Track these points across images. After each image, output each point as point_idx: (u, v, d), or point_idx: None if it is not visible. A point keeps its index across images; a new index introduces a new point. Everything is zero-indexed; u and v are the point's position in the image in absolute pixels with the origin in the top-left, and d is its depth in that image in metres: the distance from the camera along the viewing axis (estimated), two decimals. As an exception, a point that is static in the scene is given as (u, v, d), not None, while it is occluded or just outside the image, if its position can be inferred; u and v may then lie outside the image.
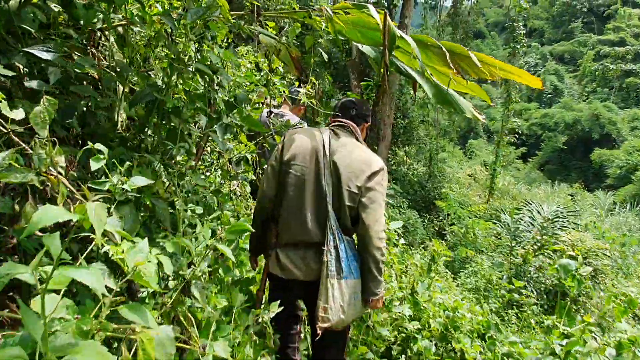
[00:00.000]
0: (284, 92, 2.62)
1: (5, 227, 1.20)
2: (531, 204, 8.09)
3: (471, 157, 36.02)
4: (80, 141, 1.56)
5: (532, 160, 39.72)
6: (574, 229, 7.35)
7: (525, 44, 10.89)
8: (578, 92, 49.61)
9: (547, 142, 40.91)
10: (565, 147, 39.61)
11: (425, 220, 9.62)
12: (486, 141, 40.64)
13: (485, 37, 60.57)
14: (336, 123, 2.17)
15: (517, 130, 11.63)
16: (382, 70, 2.13)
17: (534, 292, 6.53)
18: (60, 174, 1.07)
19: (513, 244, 7.52)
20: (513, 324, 5.53)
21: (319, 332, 1.89)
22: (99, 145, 1.14)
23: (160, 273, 1.16)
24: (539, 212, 7.64)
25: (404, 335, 2.76)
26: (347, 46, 12.11)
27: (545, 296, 6.50)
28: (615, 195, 25.69)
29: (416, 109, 11.29)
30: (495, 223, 8.64)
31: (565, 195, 23.30)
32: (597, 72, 48.00)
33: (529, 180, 31.17)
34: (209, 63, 1.69)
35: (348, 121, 2.17)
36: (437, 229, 8.77)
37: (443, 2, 11.23)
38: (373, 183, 1.96)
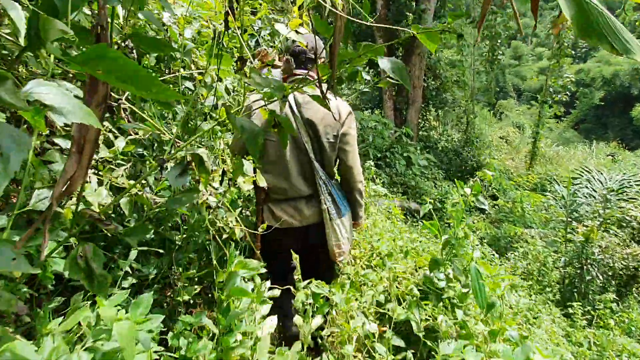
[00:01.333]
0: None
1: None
2: (590, 172, 7.00)
3: (501, 119, 34.41)
4: None
5: (566, 119, 37.79)
6: (645, 200, 6.29)
7: None
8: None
9: (582, 99, 38.81)
10: (603, 104, 37.44)
11: (464, 193, 8.70)
12: (516, 100, 38.75)
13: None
14: (294, 78, 1.98)
15: (568, 87, 10.38)
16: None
17: (599, 277, 5.60)
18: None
19: (569, 220, 6.52)
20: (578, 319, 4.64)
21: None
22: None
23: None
24: (600, 181, 6.58)
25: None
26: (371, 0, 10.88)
27: (613, 282, 5.58)
28: (654, 153, 23.98)
29: (449, 67, 10.11)
30: (544, 194, 7.61)
31: (605, 155, 21.83)
32: (637, 23, 44.71)
33: (563, 140, 29.59)
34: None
35: (305, 72, 1.95)
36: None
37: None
38: (346, 128, 2.13)
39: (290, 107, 2.07)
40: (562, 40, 9.98)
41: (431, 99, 10.33)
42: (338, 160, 2.19)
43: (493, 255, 6.00)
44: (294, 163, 2.09)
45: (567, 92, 10.56)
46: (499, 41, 10.12)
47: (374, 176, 5.97)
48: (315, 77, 2.00)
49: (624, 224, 6.11)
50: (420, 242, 3.80)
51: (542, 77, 43.89)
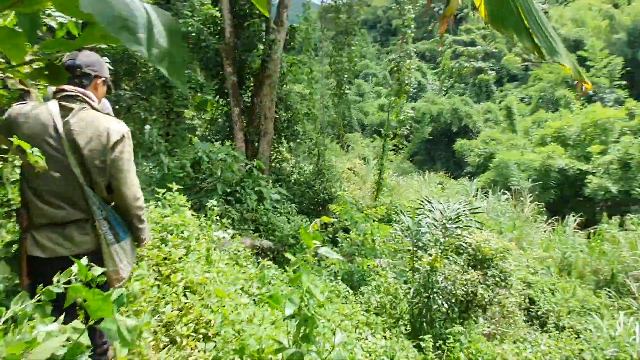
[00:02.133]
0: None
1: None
2: (430, 202, 7.42)
3: (348, 151, 36.77)
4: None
5: (403, 152, 41.96)
6: (478, 228, 6.81)
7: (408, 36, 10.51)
8: (439, 88, 54.08)
9: (415, 134, 43.62)
10: (431, 138, 42.52)
11: (321, 227, 8.60)
12: (361, 134, 41.86)
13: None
14: (63, 93, 1.99)
15: (409, 122, 11.20)
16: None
17: (444, 304, 5.78)
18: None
19: (415, 249, 6.76)
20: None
21: None
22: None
23: None
24: (440, 210, 6.97)
25: None
26: (218, 27, 10.43)
27: (455, 308, 5.81)
28: (475, 182, 27.83)
29: (300, 99, 10.13)
30: (391, 225, 7.85)
31: (435, 184, 24.54)
32: (454, 70, 52.68)
33: (401, 170, 32.61)
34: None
35: (76, 89, 2.01)
36: (330, 236, 7.69)
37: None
38: (118, 153, 1.99)
39: (55, 127, 1.92)
40: (403, 77, 10.80)
41: (283, 131, 10.18)
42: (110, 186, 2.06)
43: (347, 291, 5.82)
44: (62, 185, 1.95)
45: (408, 127, 11.43)
46: (345, 76, 10.53)
47: (219, 216, 5.35)
48: (90, 95, 2.04)
49: (461, 251, 6.51)
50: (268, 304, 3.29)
51: (383, 113, 48.15)
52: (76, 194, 1.97)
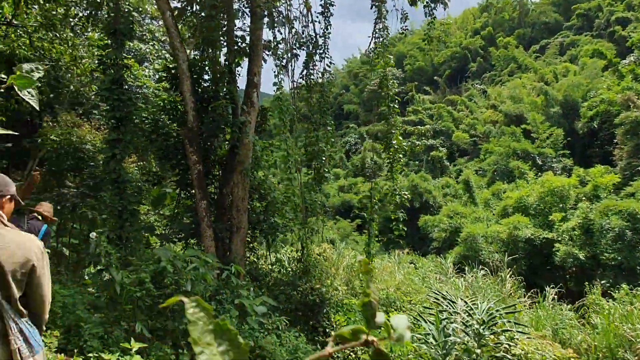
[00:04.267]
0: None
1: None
2: (452, 301, 6.06)
3: (312, 234, 35.48)
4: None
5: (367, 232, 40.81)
6: (522, 332, 5.46)
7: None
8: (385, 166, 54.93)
9: (378, 213, 42.93)
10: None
11: (316, 337, 6.95)
12: (326, 218, 40.70)
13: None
14: None
15: (404, 202, 10.15)
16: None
17: None
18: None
19: (446, 365, 5.27)
20: None
21: None
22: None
23: None
24: (469, 313, 5.63)
25: None
26: (179, 112, 9.31)
27: None
28: (445, 257, 27.00)
29: (276, 186, 8.91)
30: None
31: (408, 263, 23.35)
32: (407, 148, 54.23)
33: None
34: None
35: None
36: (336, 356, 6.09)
37: (294, 63, 9.48)
38: (38, 267, 2.11)
39: None
40: (395, 154, 9.94)
41: (258, 224, 8.79)
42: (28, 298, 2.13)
43: None
44: None
45: (402, 210, 10.36)
46: (324, 158, 9.52)
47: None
48: (2, 213, 2.24)
49: (505, 364, 5.11)
50: None
51: (343, 194, 47.72)
52: None
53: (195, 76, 8.65)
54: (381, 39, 9.71)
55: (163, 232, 9.21)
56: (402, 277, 15.13)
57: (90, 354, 4.51)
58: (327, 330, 7.43)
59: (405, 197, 9.65)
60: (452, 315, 5.97)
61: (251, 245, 8.96)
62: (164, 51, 20.36)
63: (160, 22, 22.70)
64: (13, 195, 2.30)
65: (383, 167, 54.99)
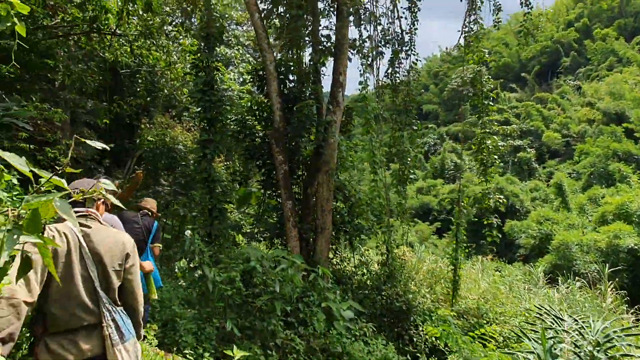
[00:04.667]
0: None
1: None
2: (560, 318, 5.45)
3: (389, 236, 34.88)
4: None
5: (448, 235, 39.66)
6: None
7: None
8: (476, 168, 52.40)
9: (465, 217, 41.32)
10: (476, 220, 40.17)
11: (402, 346, 6.64)
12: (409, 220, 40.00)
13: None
14: (77, 214, 2.29)
15: (499, 206, 9.52)
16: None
17: None
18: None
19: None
20: None
21: None
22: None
23: None
24: (580, 332, 5.01)
25: None
26: (264, 112, 9.44)
27: None
28: (535, 266, 25.26)
29: (361, 187, 8.71)
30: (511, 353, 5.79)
31: (493, 271, 22.00)
32: (502, 149, 51.45)
33: (446, 255, 30.20)
34: None
35: (88, 209, 2.39)
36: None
37: (379, 61, 9.20)
38: (132, 260, 2.37)
39: (78, 239, 2.21)
40: (488, 156, 9.33)
41: (343, 225, 8.64)
42: (122, 288, 2.33)
43: None
44: (80, 293, 2.14)
45: (496, 216, 9.69)
46: (409, 159, 9.14)
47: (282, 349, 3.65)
48: (97, 213, 2.46)
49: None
50: None
51: (422, 196, 46.41)
52: (90, 298, 2.17)
53: (281, 77, 8.71)
54: (473, 32, 9.13)
55: (249, 230, 9.39)
56: (486, 285, 14.21)
57: (186, 350, 4.61)
58: (414, 339, 7.07)
59: (501, 201, 8.97)
60: (558, 333, 5.36)
61: (334, 246, 8.83)
62: (247, 55, 21.09)
63: (244, 28, 23.57)
64: (105, 199, 2.46)
65: (464, 169, 52.94)
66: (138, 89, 15.22)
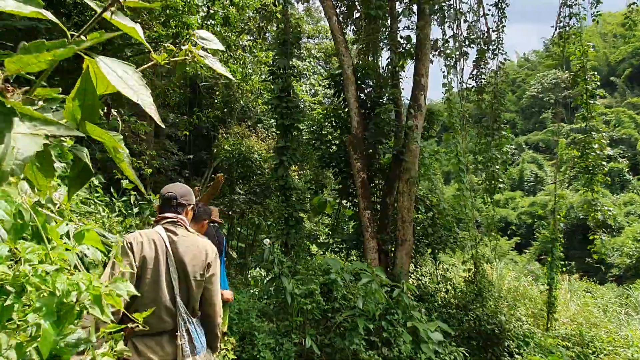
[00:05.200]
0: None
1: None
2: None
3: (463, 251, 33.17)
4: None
5: (529, 251, 37.17)
6: None
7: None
8: (559, 179, 48.76)
9: (541, 231, 38.50)
10: (561, 235, 37.16)
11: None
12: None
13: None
14: (166, 220, 2.40)
15: (609, 220, 8.47)
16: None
17: None
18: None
19: None
20: None
21: None
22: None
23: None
24: None
25: None
26: (341, 118, 9.15)
27: None
28: (632, 288, 22.65)
29: (444, 197, 8.07)
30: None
31: (583, 292, 19.96)
32: (576, 159, 47.63)
33: (529, 273, 28.15)
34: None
35: (177, 216, 2.42)
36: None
37: (463, 62, 8.58)
38: (213, 269, 2.37)
39: (166, 246, 2.27)
40: (594, 162, 8.35)
41: (425, 237, 8.05)
42: (201, 298, 2.33)
43: None
44: (163, 298, 2.20)
45: (601, 228, 8.61)
46: (497, 167, 8.37)
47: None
48: (185, 220, 2.49)
49: None
50: None
51: (499, 209, 43.91)
52: (172, 305, 2.22)
53: (358, 82, 8.39)
54: (570, 27, 8.23)
55: (323, 241, 9.08)
56: (576, 307, 12.73)
57: (264, 366, 4.33)
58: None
59: (610, 214, 7.92)
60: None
61: (414, 260, 8.26)
62: (319, 67, 21.15)
63: (315, 41, 23.75)
64: (194, 205, 2.59)
65: (545, 180, 49.34)
66: (215, 101, 15.69)
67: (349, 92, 8.05)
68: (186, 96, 16.15)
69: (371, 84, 8.77)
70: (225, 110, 15.71)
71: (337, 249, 8.68)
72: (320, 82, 15.98)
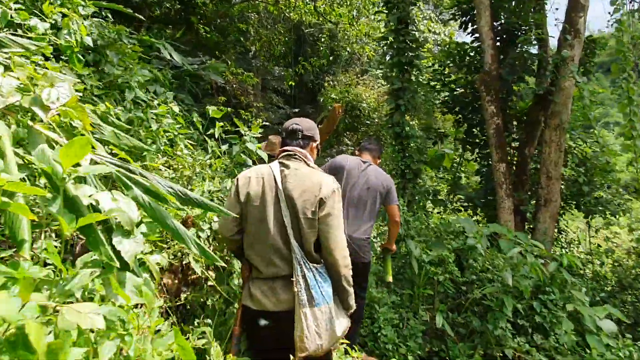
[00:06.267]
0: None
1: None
2: None
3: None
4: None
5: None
6: None
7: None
8: None
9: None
10: None
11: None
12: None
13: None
14: (284, 153, 2.17)
15: None
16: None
17: None
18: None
19: None
20: None
21: None
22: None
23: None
24: None
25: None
26: (466, 56, 7.71)
27: None
28: None
29: (606, 147, 6.37)
30: None
31: None
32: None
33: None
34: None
35: (295, 149, 2.17)
36: None
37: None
38: (329, 208, 1.99)
39: (275, 181, 2.04)
40: None
41: (574, 197, 6.55)
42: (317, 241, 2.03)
43: None
44: (274, 238, 2.00)
45: None
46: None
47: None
48: (307, 154, 2.24)
49: None
50: None
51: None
52: (286, 248, 1.98)
53: (493, 5, 6.84)
54: None
55: (442, 199, 7.95)
56: None
57: (387, 346, 3.55)
58: None
59: None
60: None
61: (559, 227, 6.80)
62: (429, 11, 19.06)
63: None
64: (319, 144, 2.32)
65: None
66: (321, 48, 14.85)
67: (482, 19, 6.59)
68: (291, 46, 15.58)
69: (508, 8, 7.15)
70: (330, 57, 14.83)
71: (461, 208, 7.52)
72: (429, 28, 14.13)
